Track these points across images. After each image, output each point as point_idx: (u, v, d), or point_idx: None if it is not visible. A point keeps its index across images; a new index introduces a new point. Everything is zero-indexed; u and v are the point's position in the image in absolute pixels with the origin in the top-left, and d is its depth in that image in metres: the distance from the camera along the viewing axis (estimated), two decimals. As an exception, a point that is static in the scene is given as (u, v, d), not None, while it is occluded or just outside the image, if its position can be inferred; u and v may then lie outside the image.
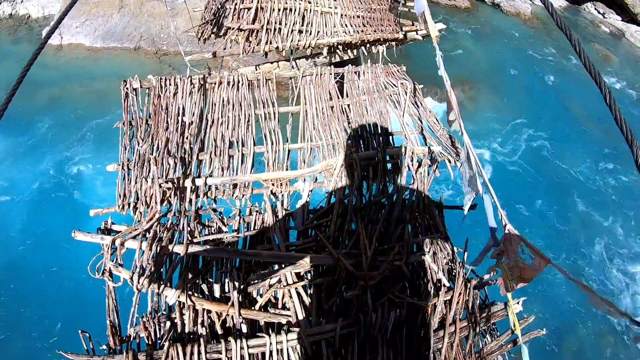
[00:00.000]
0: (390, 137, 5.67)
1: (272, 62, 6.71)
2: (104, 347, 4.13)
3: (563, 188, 13.92)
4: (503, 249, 3.52)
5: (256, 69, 6.37)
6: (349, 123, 5.71)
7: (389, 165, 5.35)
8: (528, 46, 19.16)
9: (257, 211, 4.86)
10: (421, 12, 5.40)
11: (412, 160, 5.21)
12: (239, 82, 5.55)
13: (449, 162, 5.49)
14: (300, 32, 6.43)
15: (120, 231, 4.45)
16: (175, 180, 4.61)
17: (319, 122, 5.54)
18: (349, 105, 5.82)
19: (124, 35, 14.57)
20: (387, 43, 6.87)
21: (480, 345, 4.30)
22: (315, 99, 5.71)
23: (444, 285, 4.22)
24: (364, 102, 5.89)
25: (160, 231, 4.42)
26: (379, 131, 5.69)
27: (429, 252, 4.52)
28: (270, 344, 3.85)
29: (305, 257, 4.35)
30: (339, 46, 6.56)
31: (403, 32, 7.03)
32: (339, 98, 5.86)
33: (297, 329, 3.96)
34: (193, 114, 5.28)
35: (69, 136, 12.31)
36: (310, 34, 6.43)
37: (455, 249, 4.72)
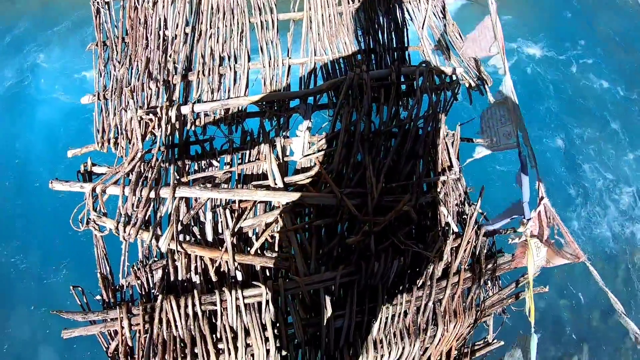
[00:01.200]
0: (407, 52, 4.47)
1: None
2: (98, 298, 3.62)
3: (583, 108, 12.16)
4: (532, 224, 3.10)
5: None
6: (360, 33, 4.50)
7: (402, 87, 4.25)
8: None
9: (251, 140, 3.97)
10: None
11: (429, 83, 4.07)
12: (230, -18, 4.41)
13: (470, 86, 4.29)
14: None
15: (103, 174, 3.79)
16: (158, 111, 3.75)
17: (325, 32, 4.39)
18: (360, 11, 4.57)
19: None
20: None
21: (482, 298, 3.79)
22: (322, 3, 4.49)
23: (453, 232, 3.56)
24: (378, 8, 4.61)
25: (144, 170, 3.69)
26: (394, 44, 4.48)
27: (440, 193, 3.81)
28: (267, 293, 3.15)
29: (305, 195, 3.53)
30: None
31: None
32: (349, 2, 4.60)
33: (295, 277, 3.23)
34: (177, 26, 4.29)
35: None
36: None
37: (468, 189, 4.03)
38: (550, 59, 13.64)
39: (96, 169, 3.85)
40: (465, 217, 3.83)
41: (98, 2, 4.29)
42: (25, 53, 13.04)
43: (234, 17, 4.32)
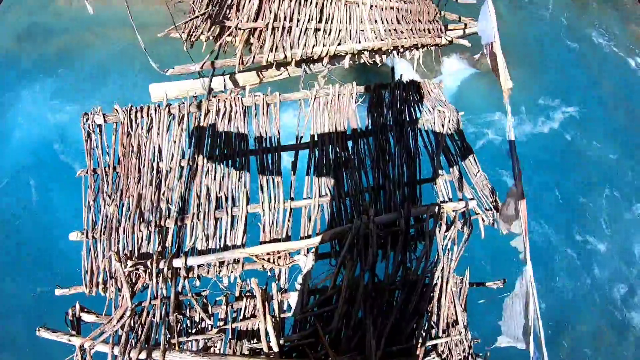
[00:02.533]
0: (418, 186, 4.09)
1: (278, 66, 4.78)
2: None
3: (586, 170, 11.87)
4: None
5: (258, 76, 4.61)
6: (369, 165, 4.11)
7: (411, 230, 3.93)
8: (559, 17, 15.75)
9: (247, 296, 3.66)
10: (487, 43, 3.46)
11: (439, 227, 3.76)
12: (231, 110, 3.96)
13: (483, 221, 3.96)
14: (316, 31, 4.48)
15: (90, 320, 3.52)
16: (148, 263, 3.41)
17: (331, 166, 3.98)
18: (371, 139, 4.16)
19: None
20: (426, 48, 4.77)
21: None
22: (329, 134, 4.07)
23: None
24: (390, 134, 4.21)
25: (135, 324, 3.41)
26: (405, 179, 4.11)
27: (442, 352, 3.62)
28: None
29: None
30: (365, 52, 4.58)
31: (448, 38, 4.82)
32: (358, 129, 4.18)
33: None
34: (172, 157, 3.85)
35: (79, 92, 11.14)
36: (329, 34, 4.47)
37: (473, 342, 3.81)
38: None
39: (85, 317, 3.57)
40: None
41: (88, 125, 3.84)
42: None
43: (233, 150, 3.90)
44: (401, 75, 4.58)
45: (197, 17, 4.42)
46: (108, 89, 11.52)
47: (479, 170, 4.32)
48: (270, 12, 4.44)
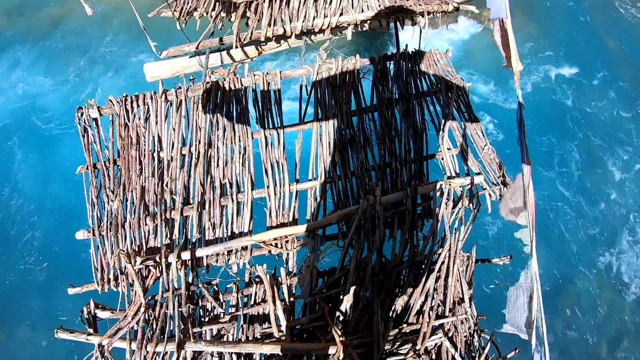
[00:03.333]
0: (425, 162, 3.84)
1: (278, 39, 4.37)
2: None
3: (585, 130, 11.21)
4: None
5: (257, 49, 4.27)
6: (374, 142, 3.85)
7: (418, 209, 3.72)
8: None
9: (256, 281, 3.52)
10: (497, 18, 3.09)
11: (447, 205, 3.53)
12: (230, 92, 3.71)
13: (490, 196, 3.70)
14: (316, 0, 4.11)
15: (106, 316, 3.45)
16: (157, 258, 3.28)
17: (336, 145, 3.74)
18: (376, 115, 3.89)
19: None
20: (432, 15, 4.34)
21: None
22: (334, 110, 3.80)
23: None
24: (396, 108, 3.93)
25: (150, 317, 3.33)
26: (411, 155, 3.85)
27: (448, 331, 3.48)
28: None
29: (310, 348, 3.20)
30: (367, 20, 4.20)
31: (455, 4, 4.35)
32: (364, 104, 3.90)
33: None
34: (172, 146, 3.65)
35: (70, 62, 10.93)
36: (330, 3, 4.09)
37: (479, 319, 3.68)
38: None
39: (100, 313, 3.49)
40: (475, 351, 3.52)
41: (84, 120, 3.64)
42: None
43: (235, 134, 3.67)
44: (406, 45, 4.23)
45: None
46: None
47: (486, 144, 4.04)
48: (266, -17, 4.09)
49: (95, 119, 3.69)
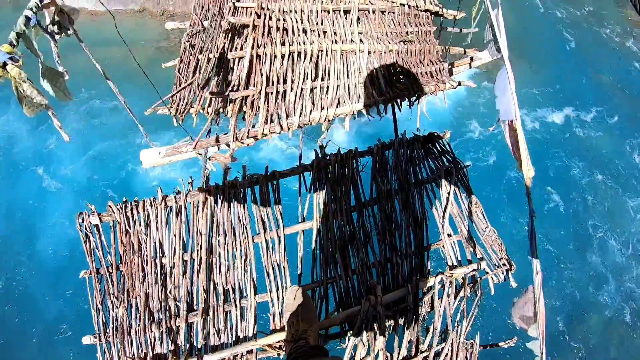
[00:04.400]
0: (426, 252, 3.78)
1: (268, 128, 4.06)
2: None
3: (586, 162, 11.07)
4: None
5: (254, 137, 4.09)
6: (374, 233, 3.77)
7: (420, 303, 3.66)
8: (558, 8, 14.36)
9: (265, 389, 3.48)
10: (507, 120, 2.99)
11: (449, 297, 3.51)
12: (230, 196, 3.61)
13: (493, 280, 3.68)
14: (313, 90, 3.96)
15: None
16: (162, 368, 3.23)
17: (336, 244, 3.66)
18: (376, 209, 3.80)
19: None
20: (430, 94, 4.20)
21: None
22: (334, 207, 3.71)
23: None
24: (396, 199, 3.86)
25: None
26: (412, 248, 3.78)
27: None
28: None
29: None
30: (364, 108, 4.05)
31: (454, 83, 4.18)
32: (363, 197, 3.81)
33: None
34: (174, 252, 3.56)
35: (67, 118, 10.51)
36: (327, 92, 3.94)
37: None
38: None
39: None
40: None
41: (85, 227, 3.54)
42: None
43: (235, 239, 3.58)
44: (404, 132, 4.11)
45: (184, 88, 3.94)
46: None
47: (487, 225, 3.97)
48: (262, 74, 3.94)
49: (97, 225, 3.59)
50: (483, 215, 4.03)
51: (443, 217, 3.92)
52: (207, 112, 3.88)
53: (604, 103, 12.13)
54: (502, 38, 3.35)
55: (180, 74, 4.06)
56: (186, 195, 3.61)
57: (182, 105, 3.90)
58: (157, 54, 10.76)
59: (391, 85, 4.16)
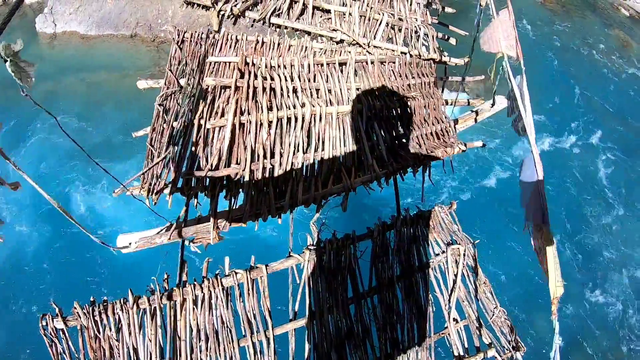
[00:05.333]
0: (432, 344, 3.32)
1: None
2: None
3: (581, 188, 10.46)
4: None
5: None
6: (374, 325, 3.27)
7: None
8: (552, 32, 14.10)
9: None
10: (534, 223, 2.45)
11: None
12: (210, 296, 3.08)
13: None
14: (304, 162, 3.38)
15: None
16: None
17: (332, 342, 3.17)
18: (375, 299, 3.30)
19: (120, 21, 10.76)
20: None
21: None
22: (329, 300, 3.20)
23: None
24: (397, 286, 3.36)
25: None
26: (415, 341, 3.31)
27: None
28: None
29: None
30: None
31: (462, 147, 3.56)
32: (361, 287, 3.29)
33: None
34: (150, 358, 3.05)
35: (58, 147, 9.61)
36: (322, 165, 3.35)
37: None
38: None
39: None
40: None
41: (49, 331, 3.03)
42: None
43: (219, 344, 3.06)
44: (407, 209, 3.55)
45: (157, 164, 3.36)
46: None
47: (496, 306, 3.50)
48: (246, 147, 3.35)
49: (62, 330, 3.07)
50: (492, 295, 3.54)
51: (449, 302, 3.42)
52: (183, 194, 3.31)
53: (594, 123, 11.58)
54: (528, 114, 2.77)
55: (153, 146, 3.47)
56: (161, 296, 3.08)
57: (155, 184, 3.32)
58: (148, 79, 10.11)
59: (394, 152, 3.57)
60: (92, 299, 3.15)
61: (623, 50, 13.87)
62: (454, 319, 3.45)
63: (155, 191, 3.34)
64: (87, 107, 10.03)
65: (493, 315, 3.50)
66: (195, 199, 3.37)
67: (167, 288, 3.16)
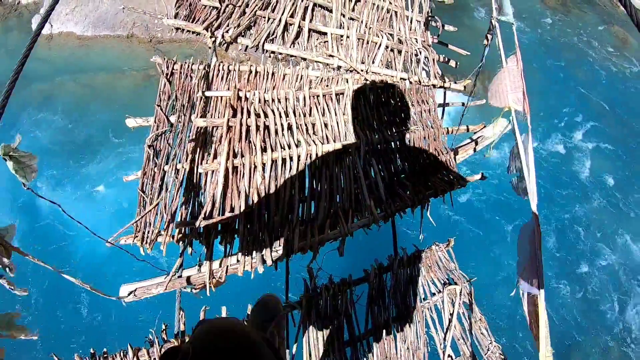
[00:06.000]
0: None
1: None
2: None
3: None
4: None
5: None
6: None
7: None
8: (551, 30, 13.74)
9: None
10: (529, 293, 2.34)
11: None
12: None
13: None
14: (301, 205, 3.21)
15: None
16: None
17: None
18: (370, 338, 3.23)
19: (116, 22, 10.33)
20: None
21: None
22: (325, 346, 3.12)
23: None
24: (392, 328, 3.27)
25: None
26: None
27: None
28: None
29: None
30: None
31: (462, 183, 3.33)
32: (357, 330, 3.22)
33: None
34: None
35: (57, 145, 9.42)
36: (318, 210, 3.19)
37: None
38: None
39: None
40: None
41: (50, 381, 3.00)
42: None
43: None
44: (404, 248, 3.42)
45: (149, 212, 3.21)
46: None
47: (491, 342, 3.46)
48: (239, 193, 3.19)
49: (63, 380, 3.04)
50: (487, 331, 3.48)
51: (444, 340, 3.35)
52: (178, 242, 3.19)
53: (591, 122, 11.21)
54: (532, 177, 2.57)
55: (144, 193, 3.31)
56: (160, 348, 3.02)
57: (148, 232, 3.19)
58: (145, 80, 9.81)
59: (392, 191, 3.39)
60: (92, 351, 3.11)
61: (622, 48, 13.34)
62: (449, 356, 3.40)
63: (149, 240, 3.23)
64: (83, 107, 9.87)
65: (488, 351, 3.44)
66: (190, 247, 3.25)
67: (165, 339, 3.11)
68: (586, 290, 9.41)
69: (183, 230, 3.22)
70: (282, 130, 3.42)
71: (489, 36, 3.14)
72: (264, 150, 3.34)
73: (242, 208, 3.19)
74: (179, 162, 3.38)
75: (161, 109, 3.58)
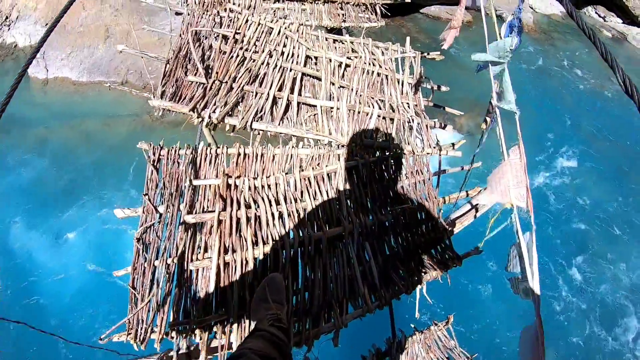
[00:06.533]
0: None
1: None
2: None
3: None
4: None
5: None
6: None
7: None
8: (536, 60, 14.07)
9: None
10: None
11: None
12: None
13: None
14: (295, 296, 3.08)
15: None
16: None
17: None
18: None
19: (111, 68, 10.34)
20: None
21: None
22: None
23: None
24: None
25: None
26: None
27: None
28: None
29: None
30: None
31: (458, 263, 3.21)
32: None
33: None
34: None
35: (39, 186, 9.22)
36: (310, 301, 3.05)
37: None
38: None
39: None
40: None
41: None
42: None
43: None
44: (402, 331, 3.29)
45: (140, 309, 3.09)
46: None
47: None
48: (233, 289, 3.06)
49: None
50: None
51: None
52: (172, 338, 3.07)
53: (580, 147, 11.13)
54: (535, 278, 2.43)
55: (135, 289, 3.20)
56: None
57: (140, 329, 3.08)
58: (139, 127, 9.74)
59: (385, 279, 3.25)
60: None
61: (607, 71, 13.31)
62: None
63: (142, 337, 3.11)
64: (71, 151, 9.77)
65: None
66: (185, 344, 3.13)
67: None
68: (586, 317, 9.29)
69: (177, 328, 3.11)
70: (273, 219, 3.30)
71: (488, 119, 3.00)
72: (255, 244, 3.22)
73: (235, 306, 3.07)
74: (169, 256, 3.27)
75: (149, 199, 3.47)
